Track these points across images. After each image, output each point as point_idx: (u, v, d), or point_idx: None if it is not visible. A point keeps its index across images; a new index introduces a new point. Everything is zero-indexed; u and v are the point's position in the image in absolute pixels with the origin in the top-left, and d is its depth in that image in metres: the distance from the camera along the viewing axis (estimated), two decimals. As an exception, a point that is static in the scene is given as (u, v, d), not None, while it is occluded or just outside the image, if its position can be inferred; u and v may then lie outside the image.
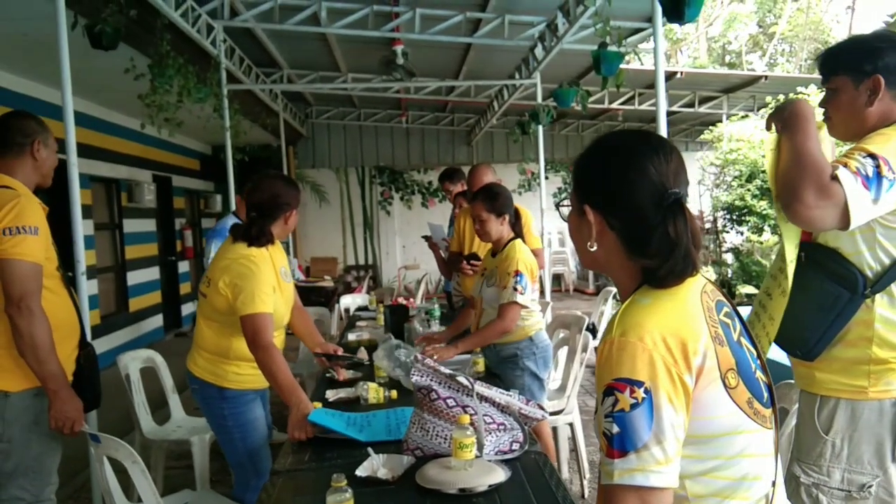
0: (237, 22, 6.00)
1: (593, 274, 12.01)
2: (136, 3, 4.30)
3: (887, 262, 1.59)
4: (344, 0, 5.96)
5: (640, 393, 1.00)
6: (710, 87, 9.43)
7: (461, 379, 1.98)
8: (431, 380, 1.99)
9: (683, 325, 1.05)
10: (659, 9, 3.48)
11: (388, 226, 12.79)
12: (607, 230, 1.16)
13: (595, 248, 1.17)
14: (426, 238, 5.22)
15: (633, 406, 1.00)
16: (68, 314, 2.49)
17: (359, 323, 4.58)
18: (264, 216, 2.59)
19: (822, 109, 1.81)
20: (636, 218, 1.12)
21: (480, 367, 2.96)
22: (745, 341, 1.15)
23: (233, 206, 6.14)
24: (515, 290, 2.92)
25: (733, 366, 1.07)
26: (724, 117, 9.58)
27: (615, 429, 1.01)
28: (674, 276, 1.09)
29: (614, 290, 5.79)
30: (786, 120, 1.63)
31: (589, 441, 3.93)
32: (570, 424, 3.53)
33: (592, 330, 4.43)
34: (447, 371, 2.01)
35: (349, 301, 6.20)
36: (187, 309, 9.64)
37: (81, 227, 3.34)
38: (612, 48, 4.19)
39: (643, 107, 9.48)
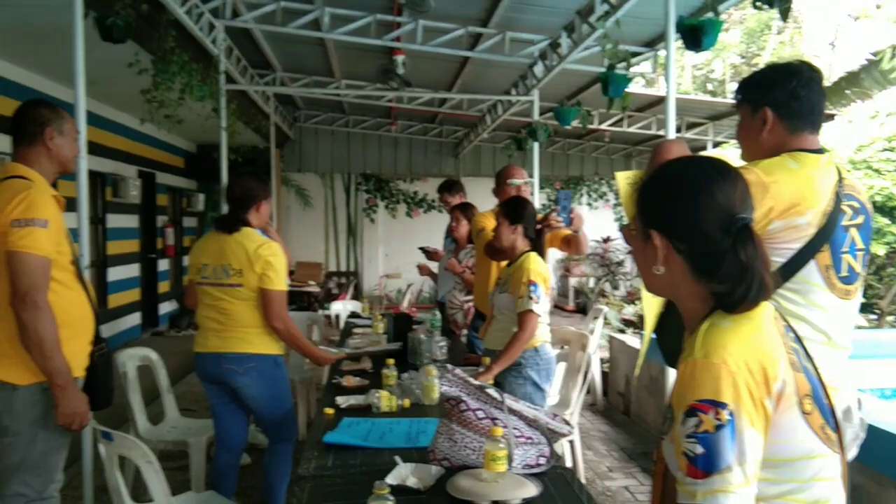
0: (238, 22, 5.96)
1: (574, 291, 12.12)
2: (146, -2, 4.27)
3: None
4: (347, 7, 5.96)
5: (725, 415, 1.02)
6: (697, 114, 9.62)
7: (490, 391, 1.99)
8: (461, 390, 2.00)
9: (764, 350, 1.08)
10: (672, 34, 3.56)
11: (372, 234, 12.75)
12: (674, 254, 1.17)
13: (661, 271, 1.20)
14: (423, 249, 5.23)
15: (718, 428, 1.02)
16: (83, 309, 2.43)
17: (355, 330, 4.56)
18: (239, 207, 3.00)
19: None
20: (704, 243, 1.14)
21: (489, 381, 2.97)
22: (810, 366, 1.18)
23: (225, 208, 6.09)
24: (531, 298, 2.97)
25: (809, 392, 1.11)
26: (710, 144, 9.78)
27: (699, 449, 1.02)
28: (747, 301, 1.11)
29: (605, 308, 5.89)
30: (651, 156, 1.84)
31: (584, 458, 3.96)
32: (571, 442, 3.55)
33: None
34: (476, 382, 2.02)
35: (340, 307, 6.17)
36: (164, 308, 9.48)
37: (87, 222, 3.29)
38: (620, 70, 4.26)
39: (631, 129, 9.63)
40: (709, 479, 1.01)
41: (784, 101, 1.79)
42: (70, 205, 2.62)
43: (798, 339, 1.21)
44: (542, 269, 3.09)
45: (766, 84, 1.83)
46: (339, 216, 12.63)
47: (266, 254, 2.88)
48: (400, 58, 6.56)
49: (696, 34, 3.13)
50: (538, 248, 3.20)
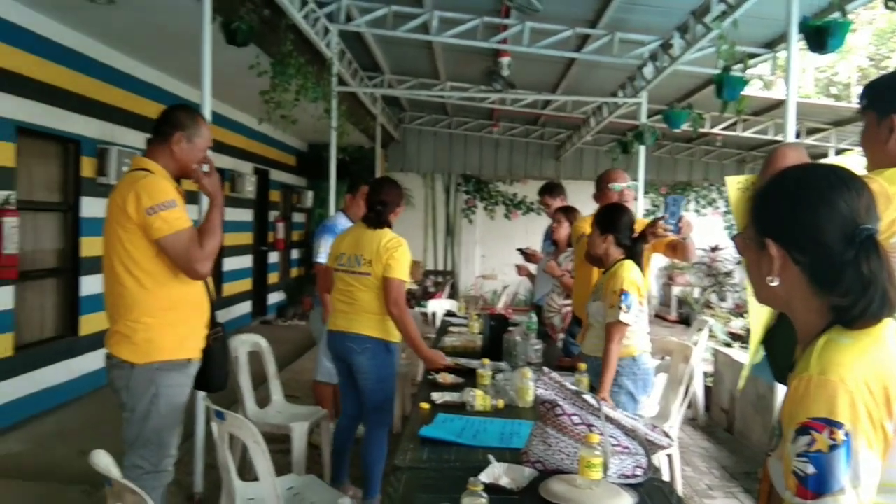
0: (351, 26, 6.17)
1: (676, 301, 11.71)
2: (266, 4, 4.51)
3: None
4: (455, 10, 6.04)
5: (840, 435, 0.97)
6: (819, 119, 9.05)
7: (588, 397, 1.97)
8: (556, 394, 1.99)
9: (886, 369, 1.02)
10: (794, 35, 3.38)
11: (470, 234, 12.85)
12: (791, 265, 1.12)
13: (776, 283, 1.14)
14: (522, 251, 5.22)
15: (832, 448, 0.97)
16: (198, 293, 2.58)
17: (451, 329, 4.62)
18: (386, 209, 3.35)
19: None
20: (825, 253, 1.09)
21: (585, 385, 2.93)
22: None
23: (332, 204, 6.32)
24: (619, 308, 2.92)
25: None
26: (832, 151, 9.18)
27: (810, 469, 0.98)
28: (868, 316, 1.05)
29: (710, 320, 5.65)
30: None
31: (682, 474, 3.83)
32: (669, 456, 3.44)
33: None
34: (573, 387, 2.00)
35: (436, 306, 6.27)
36: (273, 298, 9.95)
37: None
38: (736, 73, 4.08)
39: (746, 133, 9.18)
40: (819, 501, 0.97)
41: None
42: (193, 198, 2.81)
43: None
44: (636, 278, 3.01)
45: (893, 89, 1.72)
46: (439, 216, 12.81)
47: (393, 246, 3.25)
48: (505, 60, 6.58)
49: (821, 35, 2.96)
50: (635, 255, 3.11)
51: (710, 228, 12.33)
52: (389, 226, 3.36)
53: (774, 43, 5.69)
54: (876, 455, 0.98)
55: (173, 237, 2.37)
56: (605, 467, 1.86)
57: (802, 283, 1.11)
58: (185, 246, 2.39)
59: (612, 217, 3.18)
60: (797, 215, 1.11)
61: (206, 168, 2.60)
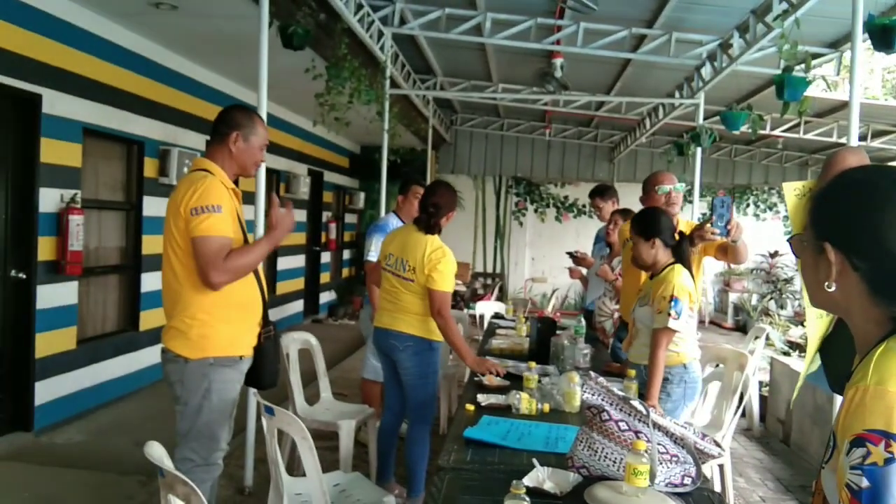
0: (405, 29, 6.22)
1: (733, 308, 11.39)
2: (322, 8, 4.59)
3: None
4: (509, 12, 6.03)
5: None
6: (886, 121, 8.67)
7: (636, 404, 1.94)
8: (603, 399, 1.96)
9: None
10: (859, 35, 3.25)
11: (520, 236, 12.79)
12: (849, 271, 1.08)
13: (833, 288, 1.10)
14: (571, 254, 5.16)
15: (888, 461, 0.93)
16: (252, 292, 2.64)
17: (498, 331, 4.61)
18: (437, 212, 3.33)
19: None
20: (886, 261, 1.04)
21: (633, 391, 2.88)
22: None
23: (384, 205, 6.38)
24: (669, 315, 2.83)
25: None
26: (902, 154, 8.78)
27: (864, 483, 0.94)
28: None
29: (768, 328, 5.47)
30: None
31: (735, 485, 3.72)
32: (721, 466, 3.35)
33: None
34: (621, 393, 1.97)
35: (484, 308, 6.26)
36: (324, 298, 10.11)
37: (263, 214, 3.60)
38: (798, 73, 3.95)
39: (809, 136, 8.87)
40: None
41: None
42: (249, 199, 2.87)
43: None
44: (687, 283, 2.91)
45: None
46: (489, 218, 12.79)
47: (436, 258, 3.26)
48: (558, 61, 6.53)
49: (888, 34, 2.83)
50: (681, 256, 3.01)
51: (770, 233, 11.96)
52: (439, 230, 3.35)
53: (839, 42, 5.49)
54: None
55: (203, 239, 2.40)
56: (653, 475, 1.83)
57: (861, 290, 1.07)
58: (211, 252, 2.40)
59: (651, 221, 3.06)
60: (857, 219, 1.07)
61: (281, 205, 2.66)
